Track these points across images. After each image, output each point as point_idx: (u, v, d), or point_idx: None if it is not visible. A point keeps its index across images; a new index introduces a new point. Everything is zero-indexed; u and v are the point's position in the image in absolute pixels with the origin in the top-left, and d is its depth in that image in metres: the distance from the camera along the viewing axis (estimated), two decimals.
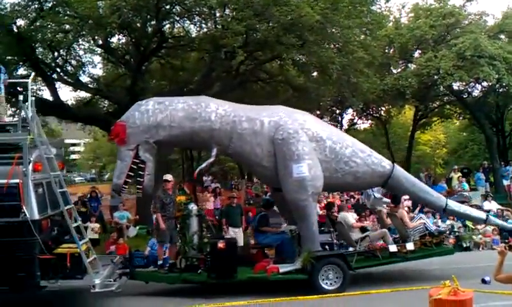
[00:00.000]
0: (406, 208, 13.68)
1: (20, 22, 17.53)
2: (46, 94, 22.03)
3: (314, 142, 10.06)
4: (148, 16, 17.23)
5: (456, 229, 14.48)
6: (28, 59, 18.87)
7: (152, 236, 13.45)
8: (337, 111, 34.50)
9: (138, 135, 9.92)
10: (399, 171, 10.87)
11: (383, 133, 34.31)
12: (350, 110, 33.17)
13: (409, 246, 10.29)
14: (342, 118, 36.34)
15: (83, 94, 23.58)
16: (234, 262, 10.02)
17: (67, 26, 16.88)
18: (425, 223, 11.07)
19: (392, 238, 11.09)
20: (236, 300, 9.31)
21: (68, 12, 15.81)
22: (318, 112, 33.25)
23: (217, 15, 17.55)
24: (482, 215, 11.59)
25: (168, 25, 19.49)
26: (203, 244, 10.73)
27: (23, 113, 9.01)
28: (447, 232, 11.19)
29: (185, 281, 10.19)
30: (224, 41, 15.78)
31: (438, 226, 12.44)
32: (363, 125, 38.24)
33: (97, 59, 23.23)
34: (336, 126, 38.48)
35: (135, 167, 9.95)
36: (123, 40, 20.83)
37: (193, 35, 20.08)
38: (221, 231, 12.97)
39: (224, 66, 18.75)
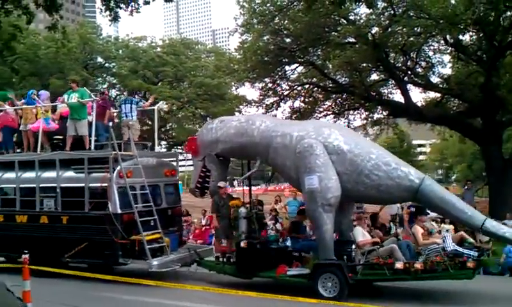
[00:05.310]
0: (432, 223, 12.46)
1: (374, 30, 18.75)
2: (397, 97, 23.03)
3: (334, 154, 10.32)
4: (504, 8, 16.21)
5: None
6: (381, 64, 20.07)
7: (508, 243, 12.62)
8: None
9: (204, 148, 12.00)
10: (429, 185, 10.15)
11: None
12: None
13: (417, 264, 9.85)
14: None
15: (432, 94, 23.72)
16: (256, 261, 10.97)
17: (418, 29, 17.26)
18: (443, 242, 10.26)
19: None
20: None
21: (420, 15, 16.13)
22: None
23: None
24: None
25: None
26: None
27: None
28: (471, 254, 9.80)
29: (225, 273, 11.55)
30: None
31: (473, 248, 10.58)
32: None
33: (446, 58, 22.98)
34: None
35: (203, 174, 12.10)
36: (475, 36, 20.11)
37: None
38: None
39: None
